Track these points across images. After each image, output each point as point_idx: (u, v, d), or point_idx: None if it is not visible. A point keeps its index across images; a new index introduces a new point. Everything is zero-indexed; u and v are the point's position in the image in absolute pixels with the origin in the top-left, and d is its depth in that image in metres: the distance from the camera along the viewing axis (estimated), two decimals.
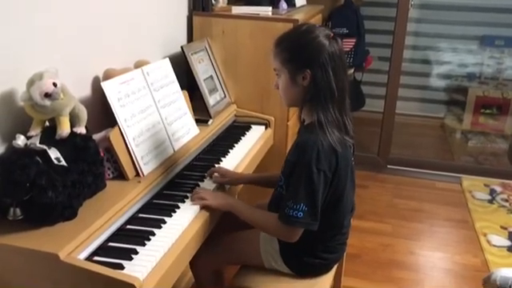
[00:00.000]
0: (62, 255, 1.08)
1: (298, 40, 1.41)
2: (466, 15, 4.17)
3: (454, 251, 2.57)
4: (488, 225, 2.81)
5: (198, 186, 1.60)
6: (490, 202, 3.10)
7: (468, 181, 3.36)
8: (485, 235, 2.70)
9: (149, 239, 1.27)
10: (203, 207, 1.47)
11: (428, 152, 3.90)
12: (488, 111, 4.04)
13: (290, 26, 2.09)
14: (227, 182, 1.68)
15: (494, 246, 2.60)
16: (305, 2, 2.88)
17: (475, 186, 3.29)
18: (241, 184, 1.79)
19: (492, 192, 3.22)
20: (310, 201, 1.35)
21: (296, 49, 1.39)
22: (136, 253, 1.21)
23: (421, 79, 4.39)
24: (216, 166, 1.76)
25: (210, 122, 2.02)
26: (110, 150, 1.45)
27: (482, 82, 4.20)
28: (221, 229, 1.58)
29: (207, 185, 1.63)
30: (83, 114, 1.35)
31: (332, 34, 1.39)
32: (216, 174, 1.67)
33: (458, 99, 4.26)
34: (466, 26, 4.19)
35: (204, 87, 2.09)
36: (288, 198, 1.37)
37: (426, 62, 4.37)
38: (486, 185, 3.32)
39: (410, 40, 4.12)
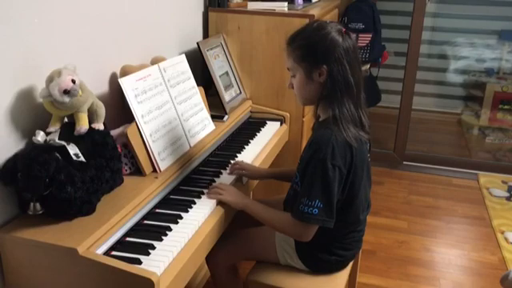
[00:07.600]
0: (81, 250, 1.10)
1: (311, 37, 1.40)
2: (484, 9, 4.10)
3: (470, 248, 2.55)
4: (506, 222, 2.77)
5: (214, 181, 1.61)
6: (508, 199, 3.06)
7: (485, 177, 3.32)
8: (502, 233, 2.67)
9: (166, 234, 1.28)
10: (219, 202, 1.48)
11: (445, 148, 3.86)
12: (506, 107, 3.98)
13: (306, 21, 2.08)
14: (246, 174, 1.69)
15: None
16: None
17: (493, 183, 3.25)
18: (260, 179, 1.79)
19: (510, 189, 3.17)
20: (325, 198, 1.34)
21: (310, 46, 1.39)
22: (153, 248, 1.22)
23: (438, 74, 4.34)
24: (235, 159, 1.78)
25: (225, 118, 2.02)
26: (127, 146, 1.47)
27: (501, 77, 4.13)
28: (237, 224, 1.59)
29: (224, 179, 1.64)
30: (101, 110, 1.37)
31: (344, 29, 1.39)
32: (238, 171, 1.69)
33: (475, 95, 4.21)
34: (484, 20, 4.13)
35: (220, 83, 2.10)
36: (303, 194, 1.37)
37: (443, 56, 4.32)
38: (503, 182, 3.28)
39: (427, 35, 4.09)
